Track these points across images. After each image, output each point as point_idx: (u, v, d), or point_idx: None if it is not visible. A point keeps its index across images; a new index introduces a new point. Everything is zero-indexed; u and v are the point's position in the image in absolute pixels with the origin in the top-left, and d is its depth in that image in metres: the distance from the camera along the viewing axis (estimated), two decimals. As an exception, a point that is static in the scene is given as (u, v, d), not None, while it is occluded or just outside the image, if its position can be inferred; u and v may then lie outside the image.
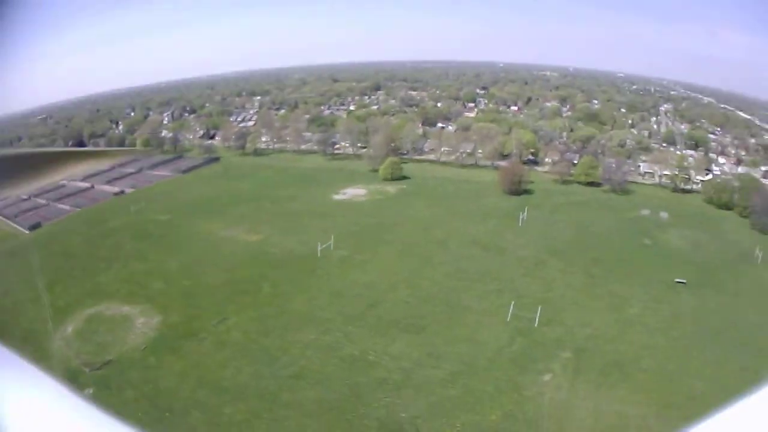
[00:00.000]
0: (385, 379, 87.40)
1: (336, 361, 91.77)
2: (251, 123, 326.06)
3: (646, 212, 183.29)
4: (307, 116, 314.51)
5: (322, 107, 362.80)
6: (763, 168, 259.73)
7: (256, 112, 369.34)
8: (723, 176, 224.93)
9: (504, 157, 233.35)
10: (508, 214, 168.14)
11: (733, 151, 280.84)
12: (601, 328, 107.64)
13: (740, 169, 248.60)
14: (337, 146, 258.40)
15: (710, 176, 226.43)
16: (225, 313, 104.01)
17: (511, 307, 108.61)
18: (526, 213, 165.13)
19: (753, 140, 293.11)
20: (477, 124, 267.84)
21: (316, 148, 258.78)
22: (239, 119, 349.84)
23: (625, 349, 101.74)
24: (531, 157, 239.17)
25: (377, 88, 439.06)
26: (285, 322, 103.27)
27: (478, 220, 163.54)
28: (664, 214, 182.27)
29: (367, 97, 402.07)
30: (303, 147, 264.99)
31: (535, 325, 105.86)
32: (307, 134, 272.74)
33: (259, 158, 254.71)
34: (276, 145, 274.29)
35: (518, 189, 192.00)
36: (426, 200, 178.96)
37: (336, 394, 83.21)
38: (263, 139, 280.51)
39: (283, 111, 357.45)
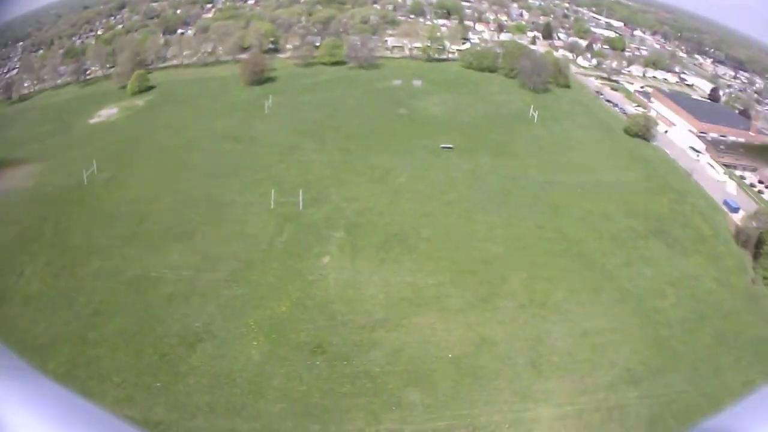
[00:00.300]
0: (172, 293, 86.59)
1: (124, 286, 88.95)
2: (15, 71, 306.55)
3: (397, 82, 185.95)
4: (62, 50, 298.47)
5: (74, 38, 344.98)
6: (530, 34, 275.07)
7: (20, 58, 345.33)
8: (482, 44, 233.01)
9: (244, 50, 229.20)
10: (253, 103, 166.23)
11: (492, 18, 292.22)
12: (370, 201, 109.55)
13: (502, 37, 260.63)
14: (89, 73, 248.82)
15: (468, 45, 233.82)
16: (21, 267, 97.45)
17: (272, 194, 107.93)
18: (270, 100, 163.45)
19: (515, 5, 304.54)
20: (215, 23, 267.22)
21: (71, 80, 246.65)
22: (5, 70, 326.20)
23: (401, 220, 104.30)
24: (272, 46, 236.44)
25: (122, 7, 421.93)
26: (71, 258, 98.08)
27: (225, 114, 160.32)
28: (417, 82, 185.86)
29: (113, 18, 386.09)
30: (59, 82, 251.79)
31: (300, 208, 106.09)
32: (62, 68, 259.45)
33: (22, 103, 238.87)
34: (37, 87, 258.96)
35: (260, 78, 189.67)
36: (173, 105, 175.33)
37: (134, 320, 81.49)
38: (26, 84, 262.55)
39: (41, 51, 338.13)
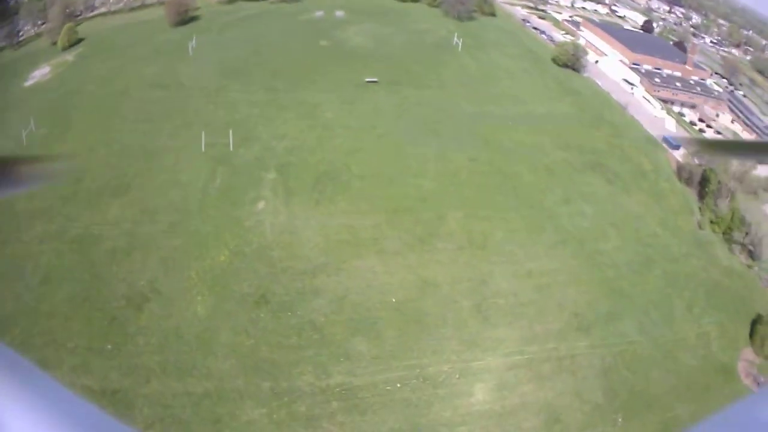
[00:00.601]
0: (114, 249, 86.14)
1: (68, 245, 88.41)
2: None
3: (319, 14, 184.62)
4: None
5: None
6: None
7: None
8: None
9: None
10: (178, 45, 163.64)
11: None
12: (298, 138, 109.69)
13: None
14: (21, 33, 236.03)
15: None
16: None
17: (203, 136, 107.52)
18: (194, 41, 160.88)
19: None
20: None
21: (5, 44, 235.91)
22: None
23: (331, 158, 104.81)
24: None
25: None
26: (17, 224, 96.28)
27: (152, 60, 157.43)
28: (339, 13, 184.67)
29: None
30: None
31: (231, 149, 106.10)
32: None
33: None
34: None
35: (184, 18, 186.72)
36: (101, 56, 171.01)
37: (81, 284, 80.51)
38: None
39: None
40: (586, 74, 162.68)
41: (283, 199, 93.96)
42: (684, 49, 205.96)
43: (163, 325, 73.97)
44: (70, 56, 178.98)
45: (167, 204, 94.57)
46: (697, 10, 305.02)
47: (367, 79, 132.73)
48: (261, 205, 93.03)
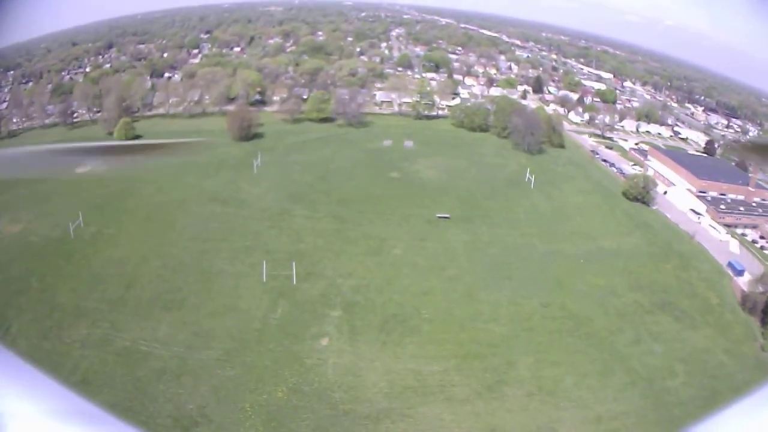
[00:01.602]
0: (163, 369, 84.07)
1: (113, 357, 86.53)
2: (5, 104, 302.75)
3: (388, 143, 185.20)
4: (50, 86, 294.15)
5: (63, 74, 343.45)
6: (520, 88, 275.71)
7: (10, 89, 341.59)
8: (473, 99, 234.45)
9: (231, 100, 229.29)
10: (241, 162, 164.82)
11: (481, 71, 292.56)
12: (366, 277, 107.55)
13: (492, 91, 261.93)
14: (76, 114, 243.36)
15: (458, 100, 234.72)
16: (7, 320, 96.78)
17: (264, 266, 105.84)
18: (259, 159, 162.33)
19: (503, 57, 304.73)
20: (201, 70, 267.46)
21: (58, 120, 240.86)
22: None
23: (400, 299, 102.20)
24: (258, 97, 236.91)
25: (110, 46, 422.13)
26: (58, 319, 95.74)
27: (212, 173, 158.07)
28: (409, 143, 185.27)
29: (101, 57, 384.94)
30: (47, 121, 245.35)
31: (294, 282, 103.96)
32: (50, 107, 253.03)
33: (11, 140, 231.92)
34: (26, 124, 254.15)
35: (248, 134, 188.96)
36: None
37: (124, 395, 78.74)
38: (14, 120, 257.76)
39: (30, 84, 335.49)
40: (655, 206, 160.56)
41: (347, 339, 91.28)
42: (745, 168, 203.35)
43: (213, 454, 71.09)
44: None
45: (223, 330, 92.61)
46: (752, 120, 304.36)
47: (439, 215, 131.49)
48: (324, 341, 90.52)
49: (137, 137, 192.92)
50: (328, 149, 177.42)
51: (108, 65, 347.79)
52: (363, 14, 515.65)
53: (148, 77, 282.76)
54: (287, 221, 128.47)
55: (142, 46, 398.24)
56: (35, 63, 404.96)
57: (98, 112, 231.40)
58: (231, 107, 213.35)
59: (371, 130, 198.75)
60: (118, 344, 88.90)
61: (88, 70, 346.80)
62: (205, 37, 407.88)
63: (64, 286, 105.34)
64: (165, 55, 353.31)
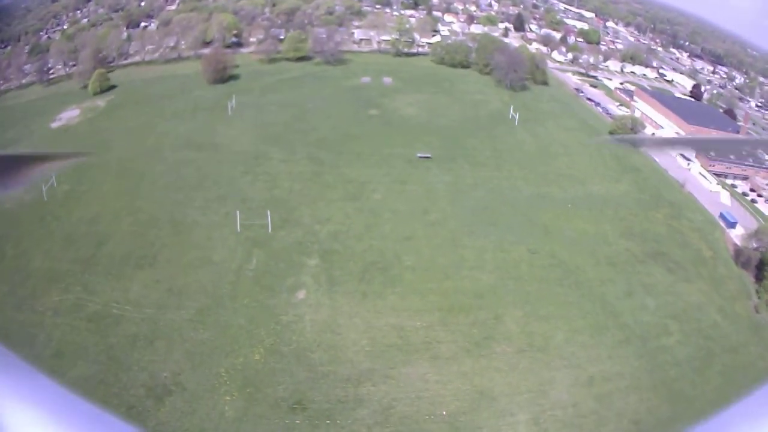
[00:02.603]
0: (136, 335, 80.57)
1: (85, 323, 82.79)
2: None
3: (366, 80, 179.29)
4: (27, 47, 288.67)
5: (41, 33, 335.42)
6: (501, 26, 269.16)
7: None
8: (453, 36, 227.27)
9: (207, 44, 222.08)
10: (216, 104, 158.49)
11: (460, 8, 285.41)
12: (344, 223, 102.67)
13: (473, 28, 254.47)
14: (52, 71, 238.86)
15: (438, 38, 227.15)
16: None
17: (238, 216, 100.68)
18: (234, 100, 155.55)
19: None
20: (177, 16, 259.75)
21: (35, 79, 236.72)
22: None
23: (380, 245, 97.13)
24: (235, 39, 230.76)
25: (89, 0, 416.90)
26: (32, 287, 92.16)
27: (188, 117, 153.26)
28: (387, 80, 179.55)
29: (79, 12, 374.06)
30: (24, 81, 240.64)
31: (269, 230, 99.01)
32: (27, 66, 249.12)
33: None
34: (3, 86, 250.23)
35: (223, 76, 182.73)
36: (134, 106, 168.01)
37: (97, 366, 75.50)
38: None
39: (8, 48, 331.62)
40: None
41: (325, 290, 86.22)
42: (733, 116, 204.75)
43: (186, 423, 67.79)
44: (101, 102, 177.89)
45: (196, 286, 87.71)
46: (738, 68, 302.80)
47: (420, 155, 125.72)
48: (301, 294, 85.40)
49: (112, 87, 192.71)
50: (305, 88, 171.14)
51: (86, 20, 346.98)
52: None
53: (125, 28, 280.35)
54: (263, 166, 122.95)
55: None
56: (14, 26, 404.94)
57: (75, 66, 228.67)
58: (205, 51, 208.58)
59: (349, 68, 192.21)
60: (90, 309, 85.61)
61: (65, 27, 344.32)
62: None
63: (38, 250, 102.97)
64: (143, 4, 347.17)
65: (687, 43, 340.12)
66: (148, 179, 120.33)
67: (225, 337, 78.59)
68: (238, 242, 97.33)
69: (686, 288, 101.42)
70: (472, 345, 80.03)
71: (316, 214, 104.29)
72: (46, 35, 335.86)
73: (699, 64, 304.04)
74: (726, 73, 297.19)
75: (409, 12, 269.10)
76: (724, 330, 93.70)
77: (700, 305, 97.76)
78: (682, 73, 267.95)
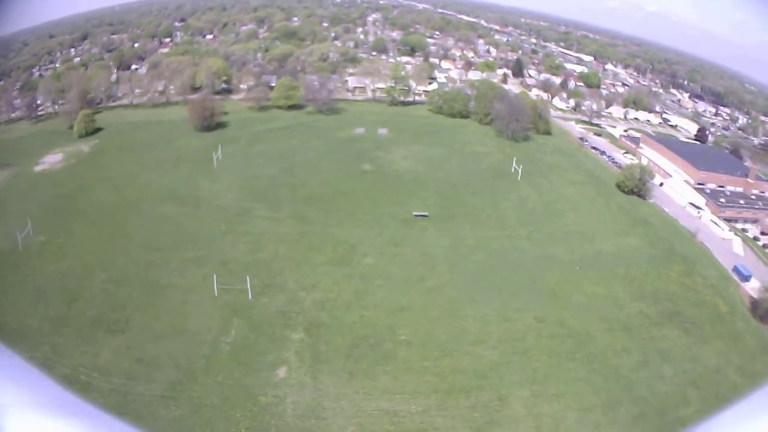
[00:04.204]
0: (103, 407, 69.66)
1: None
2: None
3: (360, 131, 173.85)
4: (19, 82, 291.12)
5: (33, 70, 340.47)
6: (500, 72, 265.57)
7: None
8: (450, 84, 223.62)
9: (196, 90, 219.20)
10: (201, 154, 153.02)
11: (458, 55, 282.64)
12: (332, 290, 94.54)
13: (471, 75, 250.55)
14: (41, 108, 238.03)
15: (435, 85, 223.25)
16: None
17: (215, 280, 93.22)
18: (220, 151, 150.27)
19: (482, 42, 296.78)
20: (166, 59, 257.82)
21: (23, 115, 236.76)
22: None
23: (372, 317, 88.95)
24: (225, 85, 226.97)
25: (84, 38, 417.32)
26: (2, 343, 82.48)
27: (170, 167, 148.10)
28: (383, 131, 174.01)
29: (74, 50, 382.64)
30: (13, 115, 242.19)
31: (249, 297, 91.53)
32: (17, 101, 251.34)
33: None
34: None
35: (211, 123, 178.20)
36: (117, 153, 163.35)
37: None
38: None
39: (2, 82, 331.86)
40: (651, 199, 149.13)
41: (309, 368, 78.18)
42: (740, 157, 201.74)
43: None
44: (85, 146, 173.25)
45: (169, 357, 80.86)
46: (739, 107, 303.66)
47: (416, 213, 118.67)
48: (282, 372, 77.45)
49: (98, 129, 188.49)
50: (295, 139, 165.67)
51: (78, 59, 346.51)
52: (338, 0, 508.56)
53: (115, 69, 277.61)
54: (246, 224, 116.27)
55: (114, 37, 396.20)
56: (10, 59, 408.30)
57: (63, 104, 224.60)
58: (193, 96, 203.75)
59: (342, 118, 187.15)
60: (58, 371, 78.82)
61: (57, 65, 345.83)
62: (179, 25, 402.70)
63: (9, 303, 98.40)
64: (136, 45, 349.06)
65: (686, 83, 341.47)
66: (126, 234, 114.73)
67: (198, 416, 71.26)
68: (215, 308, 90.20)
69: (704, 349, 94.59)
70: (474, 431, 71.49)
71: (301, 280, 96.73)
72: (39, 72, 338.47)
73: (701, 105, 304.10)
74: (728, 114, 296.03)
75: (405, 59, 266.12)
76: (744, 392, 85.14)
77: (718, 368, 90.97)
78: (685, 116, 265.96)
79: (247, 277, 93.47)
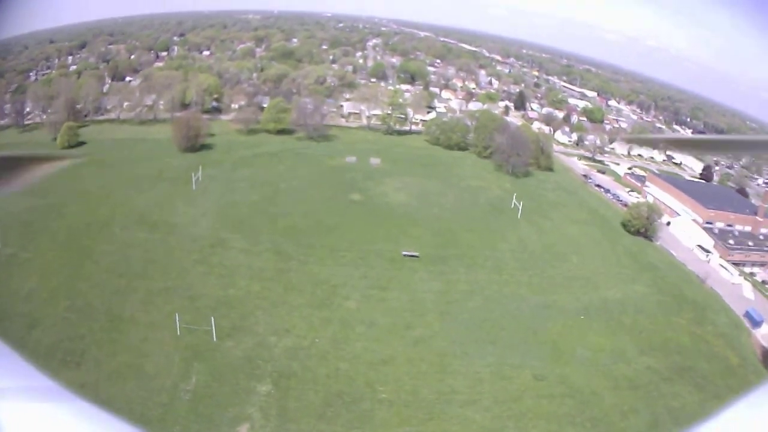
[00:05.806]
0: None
1: None
2: None
3: (352, 159, 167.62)
4: (14, 84, 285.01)
5: (30, 74, 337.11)
6: (502, 104, 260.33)
7: None
8: (450, 113, 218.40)
9: (186, 107, 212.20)
10: (181, 176, 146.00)
11: (459, 85, 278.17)
12: (307, 336, 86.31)
13: (472, 105, 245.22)
14: (29, 116, 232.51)
15: (433, 114, 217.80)
16: None
17: (177, 319, 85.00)
18: (200, 173, 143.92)
19: (483, 72, 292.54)
20: (158, 73, 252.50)
21: (10, 122, 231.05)
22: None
23: (349, 369, 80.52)
24: (215, 103, 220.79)
25: (83, 46, 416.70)
26: None
27: (147, 188, 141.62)
28: (375, 161, 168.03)
29: (71, 57, 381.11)
30: (2, 122, 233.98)
31: (214, 339, 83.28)
32: (7, 106, 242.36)
33: None
34: None
35: (195, 144, 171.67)
36: (96, 169, 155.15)
37: None
38: None
39: None
40: (658, 241, 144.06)
41: (275, 428, 68.71)
42: (746, 195, 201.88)
43: None
44: (66, 160, 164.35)
45: (122, 401, 71.32)
46: None
47: (405, 253, 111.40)
48: (244, 431, 68.27)
49: (81, 143, 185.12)
50: (282, 165, 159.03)
51: (74, 67, 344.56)
52: (341, 24, 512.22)
53: (108, 80, 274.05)
54: (219, 255, 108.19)
55: (112, 47, 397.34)
56: (7, 62, 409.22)
57: (51, 113, 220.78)
58: (180, 114, 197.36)
59: (334, 145, 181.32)
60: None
61: (53, 71, 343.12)
62: (177, 39, 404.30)
63: None
64: (132, 57, 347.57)
65: (689, 119, 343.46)
66: (93, 258, 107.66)
67: (147, 484, 60.38)
68: (176, 350, 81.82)
69: (717, 406, 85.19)
70: None
71: (273, 323, 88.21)
72: (35, 76, 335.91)
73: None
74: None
75: (405, 86, 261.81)
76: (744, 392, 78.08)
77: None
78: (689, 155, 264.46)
79: (212, 318, 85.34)
